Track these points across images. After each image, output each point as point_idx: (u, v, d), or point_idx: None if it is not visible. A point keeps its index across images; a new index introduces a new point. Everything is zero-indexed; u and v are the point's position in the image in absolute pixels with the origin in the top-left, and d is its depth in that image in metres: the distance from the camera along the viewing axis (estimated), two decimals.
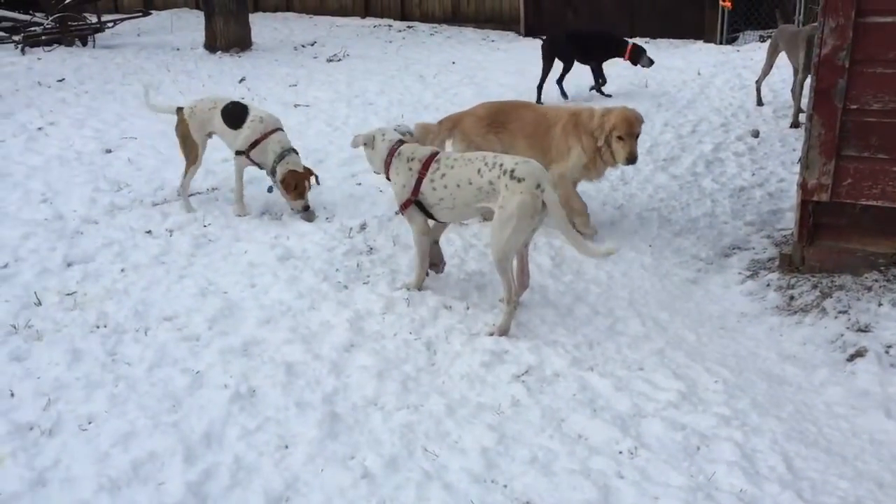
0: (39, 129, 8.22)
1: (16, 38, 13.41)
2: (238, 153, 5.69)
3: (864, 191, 4.61)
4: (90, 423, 3.39)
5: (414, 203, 4.44)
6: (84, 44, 14.29)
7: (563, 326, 4.36)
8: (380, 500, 3.00)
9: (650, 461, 3.22)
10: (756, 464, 3.21)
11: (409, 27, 16.98)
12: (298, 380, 3.74)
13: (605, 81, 9.97)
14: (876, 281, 4.58)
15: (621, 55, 9.79)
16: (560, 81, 9.80)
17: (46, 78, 11.03)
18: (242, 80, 11.24)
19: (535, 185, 4.00)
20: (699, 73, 10.68)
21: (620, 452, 3.28)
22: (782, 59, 8.69)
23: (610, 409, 3.56)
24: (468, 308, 4.50)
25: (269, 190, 5.85)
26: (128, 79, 11.24)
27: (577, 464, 3.20)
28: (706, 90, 9.81)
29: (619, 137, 5.19)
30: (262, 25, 16.49)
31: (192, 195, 6.00)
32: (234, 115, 5.68)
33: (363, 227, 5.57)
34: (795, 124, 8.01)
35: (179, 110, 5.82)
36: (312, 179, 5.67)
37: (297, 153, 5.67)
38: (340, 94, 10.16)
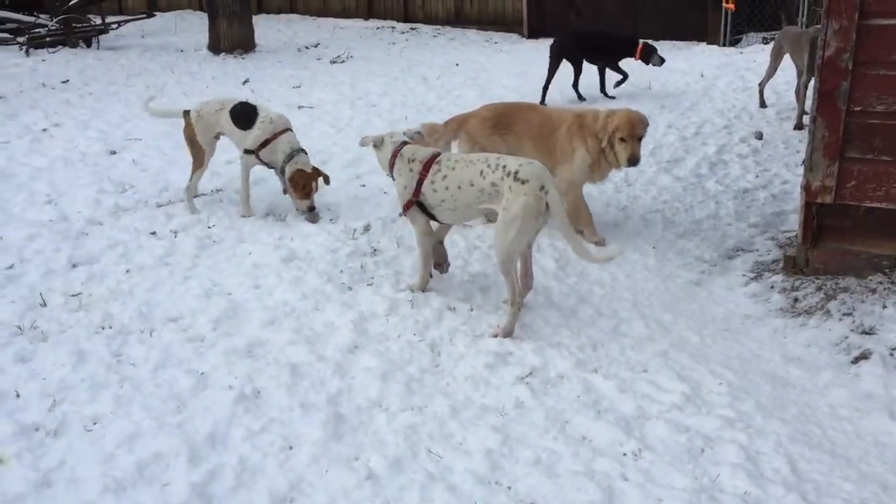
0: (44, 130, 8.25)
1: (20, 39, 13.46)
2: (247, 152, 5.69)
3: (868, 193, 4.61)
4: (95, 423, 3.39)
5: (416, 204, 4.45)
6: (88, 45, 14.33)
7: (567, 328, 4.36)
8: (384, 502, 3.01)
9: (654, 463, 3.22)
10: (760, 466, 3.20)
11: (412, 29, 17.00)
12: (303, 381, 3.75)
13: (626, 76, 9.91)
14: (880, 283, 4.57)
15: (632, 55, 9.79)
16: (575, 85, 9.77)
17: (51, 79, 11.06)
18: (246, 81, 11.26)
19: (539, 186, 4.01)
20: (702, 75, 10.68)
21: (624, 454, 3.28)
22: (786, 61, 8.69)
23: (614, 411, 3.56)
24: (472, 310, 4.50)
25: (285, 192, 5.85)
26: (132, 80, 11.27)
27: (581, 465, 3.20)
28: (709, 92, 9.80)
29: (622, 139, 5.19)
30: (265, 27, 16.52)
31: (196, 196, 6.01)
32: (244, 115, 5.69)
33: (367, 228, 5.58)
34: (799, 126, 8.00)
35: (186, 114, 5.83)
36: (321, 180, 5.67)
37: (306, 153, 5.68)
38: (344, 95, 10.18)
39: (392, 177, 4.59)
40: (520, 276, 4.40)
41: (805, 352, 4.22)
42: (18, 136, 7.93)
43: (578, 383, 3.77)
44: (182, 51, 14.12)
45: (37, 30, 13.92)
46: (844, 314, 4.39)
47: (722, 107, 9.05)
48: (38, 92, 10.28)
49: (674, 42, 13.71)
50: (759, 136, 7.86)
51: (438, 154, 4.47)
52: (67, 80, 11.04)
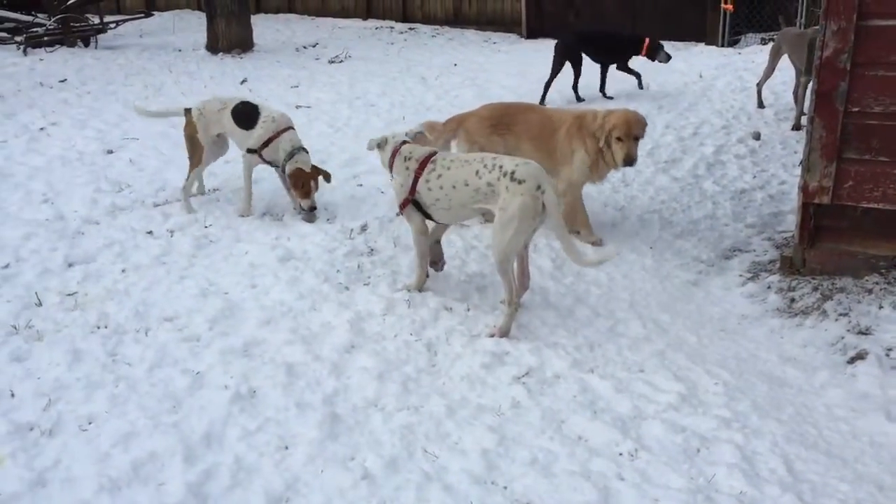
0: (41, 129, 8.24)
1: (18, 38, 13.44)
2: (249, 151, 5.69)
3: (866, 193, 4.61)
4: (90, 423, 3.39)
5: (411, 203, 4.45)
6: (86, 45, 14.32)
7: (564, 328, 4.36)
8: (380, 501, 3.00)
9: (650, 463, 3.22)
10: (756, 466, 3.20)
11: (410, 29, 16.99)
12: (299, 381, 3.74)
13: (639, 75, 9.91)
14: (877, 283, 4.57)
15: (638, 52, 9.77)
16: (575, 86, 9.74)
17: (48, 79, 11.06)
18: (244, 81, 11.25)
19: (536, 186, 4.01)
20: (701, 76, 10.68)
21: (621, 454, 3.28)
22: (784, 61, 8.70)
23: (610, 411, 3.56)
24: (469, 309, 4.50)
25: (289, 190, 5.85)
26: (130, 80, 11.27)
27: (577, 465, 3.20)
28: (708, 92, 9.81)
29: (618, 138, 5.19)
30: (263, 27, 16.51)
31: (193, 196, 6.00)
32: (246, 115, 5.68)
33: (364, 228, 5.57)
34: (797, 127, 8.01)
35: (188, 111, 5.83)
36: (321, 179, 5.66)
37: (306, 152, 5.68)
38: (342, 95, 10.17)
39: (392, 176, 4.60)
40: (516, 276, 4.40)
41: (801, 352, 4.22)
42: (16, 136, 7.92)
43: (575, 383, 3.77)
44: (180, 50, 14.11)
45: (35, 29, 13.91)
46: (841, 314, 4.39)
47: (720, 107, 9.05)
48: (36, 91, 10.27)
49: (672, 42, 13.64)
50: (757, 137, 7.86)
51: (435, 153, 4.47)
52: (65, 80, 11.03)
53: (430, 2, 17.56)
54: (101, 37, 14.65)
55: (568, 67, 9.76)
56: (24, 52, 13.03)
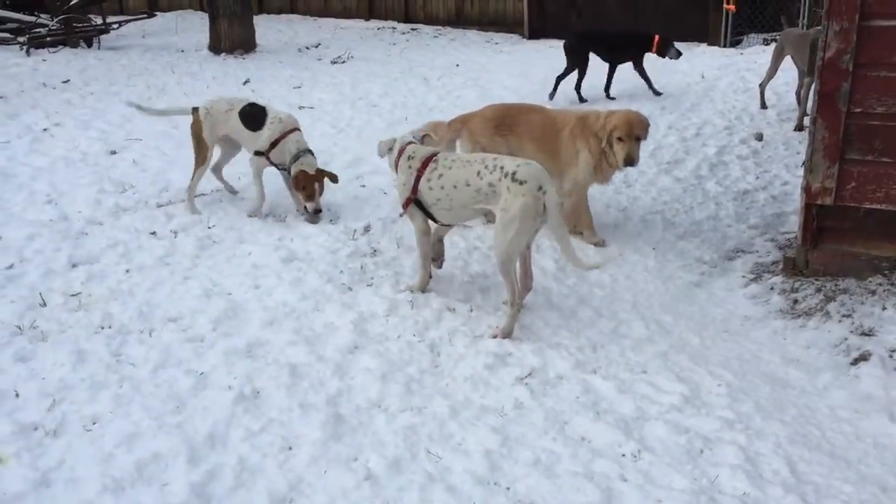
0: (45, 130, 8.25)
1: (21, 39, 13.46)
2: (257, 153, 5.69)
3: (868, 194, 4.61)
4: (94, 423, 3.40)
5: (414, 202, 4.47)
6: (89, 45, 14.34)
7: (567, 329, 4.36)
8: (383, 502, 3.01)
9: (653, 464, 3.22)
10: (759, 467, 3.20)
11: (412, 29, 17.00)
12: (302, 381, 3.75)
13: (650, 81, 9.89)
14: (880, 285, 4.57)
15: (649, 50, 9.74)
16: (578, 86, 9.72)
17: (51, 79, 11.07)
18: (247, 81, 11.26)
19: (537, 187, 4.02)
20: (703, 76, 10.68)
21: (623, 455, 3.28)
22: (786, 62, 8.69)
23: (613, 412, 3.56)
24: (472, 310, 4.50)
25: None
26: (133, 80, 11.28)
27: (580, 466, 3.20)
28: (710, 93, 9.80)
29: (619, 139, 5.20)
30: (266, 27, 16.53)
31: (197, 196, 6.01)
32: (253, 116, 5.69)
33: (367, 229, 5.58)
34: (800, 127, 8.00)
35: (195, 110, 5.84)
36: (326, 180, 5.66)
37: (312, 154, 5.68)
38: (344, 95, 10.18)
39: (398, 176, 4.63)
40: (519, 277, 4.41)
41: (804, 353, 4.22)
42: (19, 136, 7.93)
43: (578, 384, 3.77)
44: (183, 51, 14.12)
45: (37, 29, 13.93)
46: (844, 316, 4.39)
47: (722, 108, 9.05)
48: (39, 92, 10.28)
49: (674, 43, 13.69)
50: (760, 138, 7.86)
51: (437, 153, 4.49)
52: (68, 80, 11.04)
53: (432, 2, 17.57)
54: (103, 37, 14.67)
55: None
56: (27, 52, 13.05)
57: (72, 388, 3.63)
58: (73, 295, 4.56)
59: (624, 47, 9.85)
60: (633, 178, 6.82)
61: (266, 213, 5.89)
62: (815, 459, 3.28)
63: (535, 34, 15.68)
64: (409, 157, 4.49)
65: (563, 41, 9.95)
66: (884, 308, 4.35)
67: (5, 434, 3.28)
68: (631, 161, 5.22)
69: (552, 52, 13.40)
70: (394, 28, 17.25)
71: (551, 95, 9.66)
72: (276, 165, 5.74)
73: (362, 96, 10.10)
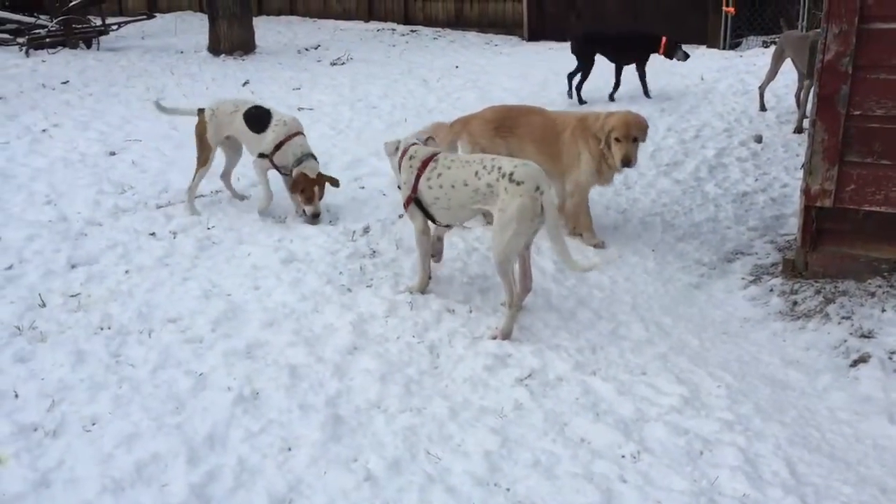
0: (44, 131, 8.25)
1: (20, 40, 13.47)
2: (261, 156, 5.70)
3: (868, 196, 4.61)
4: (94, 424, 3.39)
5: (414, 201, 4.49)
6: (88, 46, 14.34)
7: (566, 330, 4.36)
8: (382, 503, 3.01)
9: (653, 465, 3.22)
10: (759, 469, 3.21)
11: (412, 31, 17.01)
12: (302, 382, 3.75)
13: (645, 82, 9.88)
14: (879, 287, 4.58)
15: (656, 51, 9.73)
16: (579, 87, 9.72)
17: (51, 80, 11.07)
18: (246, 83, 11.27)
19: (535, 187, 4.03)
20: (702, 79, 10.68)
21: (623, 456, 3.28)
22: (786, 64, 8.70)
23: (613, 414, 3.57)
24: (471, 311, 4.50)
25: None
26: (132, 81, 11.28)
27: (579, 467, 3.20)
28: (709, 95, 9.81)
29: (617, 139, 5.21)
30: (265, 29, 16.53)
31: (196, 197, 6.01)
32: (258, 119, 5.70)
33: (366, 230, 5.58)
34: (799, 129, 8.01)
35: (201, 111, 5.85)
36: (328, 185, 5.67)
37: (315, 159, 5.69)
38: (344, 97, 10.18)
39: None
40: (518, 278, 4.42)
41: (804, 355, 4.22)
42: (18, 137, 7.93)
43: (577, 385, 3.77)
44: (182, 52, 14.13)
45: (37, 31, 13.95)
46: (843, 317, 4.39)
47: (722, 110, 9.06)
48: (38, 93, 10.28)
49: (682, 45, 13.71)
50: (759, 140, 7.87)
51: (437, 153, 4.52)
52: (67, 81, 11.04)
53: (432, 4, 17.58)
54: (102, 38, 14.68)
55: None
56: (27, 53, 13.05)
57: (71, 389, 3.63)
58: (72, 296, 4.56)
59: (631, 49, 9.82)
60: (632, 180, 6.83)
61: (266, 213, 5.88)
62: (815, 461, 3.29)
63: (534, 36, 15.69)
64: (411, 157, 4.53)
65: (570, 42, 9.93)
66: (883, 310, 4.36)
67: (5, 435, 3.28)
68: (628, 162, 5.22)
69: (552, 54, 13.42)
70: (393, 30, 17.26)
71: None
72: (278, 169, 5.74)
73: (361, 98, 10.10)
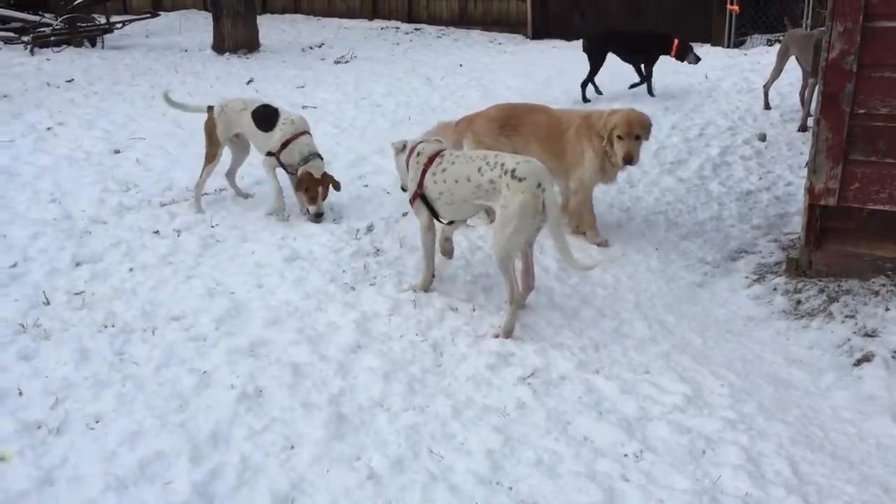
0: (48, 129, 8.27)
1: (25, 38, 13.49)
2: (269, 154, 5.72)
3: (872, 195, 4.60)
4: (98, 422, 3.40)
5: (420, 197, 4.51)
6: (93, 44, 14.37)
7: (569, 329, 4.36)
8: (385, 501, 3.01)
9: (656, 464, 3.22)
10: (762, 468, 3.20)
11: (416, 29, 17.01)
12: (305, 380, 3.75)
13: (644, 81, 9.89)
14: (883, 286, 4.57)
15: (668, 52, 9.72)
16: (584, 84, 9.71)
17: (55, 78, 11.09)
18: (250, 81, 11.27)
19: (536, 184, 4.03)
20: (706, 77, 10.67)
21: (626, 455, 3.28)
22: (790, 63, 8.68)
23: (616, 412, 3.56)
24: (474, 310, 4.50)
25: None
26: (136, 80, 11.30)
27: (582, 466, 3.20)
28: (713, 94, 9.80)
29: (619, 137, 5.20)
30: (269, 27, 16.55)
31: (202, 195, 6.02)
32: (266, 117, 5.73)
33: (370, 228, 5.58)
34: (804, 128, 7.99)
35: (210, 108, 5.89)
36: (331, 187, 5.68)
37: (321, 158, 5.71)
38: (348, 95, 10.19)
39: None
40: (521, 277, 4.43)
41: (807, 354, 4.21)
42: (23, 135, 7.95)
43: (580, 384, 3.77)
44: (186, 50, 14.15)
45: (41, 29, 13.96)
46: (847, 316, 4.39)
47: (726, 108, 9.04)
48: (43, 91, 10.30)
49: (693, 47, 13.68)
50: (763, 138, 7.85)
51: (444, 149, 4.57)
52: (72, 80, 11.06)
53: (436, 2, 17.57)
54: (107, 37, 14.70)
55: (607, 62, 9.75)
56: (31, 51, 13.07)
57: (75, 387, 3.64)
58: (76, 293, 4.57)
59: (643, 48, 9.81)
60: (636, 178, 6.82)
61: (269, 211, 5.89)
62: (818, 460, 3.28)
63: (538, 34, 15.68)
64: (418, 154, 4.57)
65: (582, 41, 9.93)
66: (887, 309, 4.35)
67: (9, 432, 3.29)
68: (630, 159, 5.22)
69: (555, 53, 13.42)
70: (397, 28, 17.26)
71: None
72: (285, 168, 5.76)
73: (365, 96, 10.11)
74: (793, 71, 8.92)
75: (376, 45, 14.98)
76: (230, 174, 6.21)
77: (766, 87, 8.96)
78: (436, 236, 4.66)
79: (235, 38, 13.89)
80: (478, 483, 3.10)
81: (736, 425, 3.48)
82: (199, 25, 17.38)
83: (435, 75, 11.48)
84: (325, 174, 5.65)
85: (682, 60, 9.75)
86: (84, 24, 14.40)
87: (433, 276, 4.71)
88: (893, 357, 3.98)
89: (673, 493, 3.05)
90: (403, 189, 4.86)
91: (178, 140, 7.87)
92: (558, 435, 3.40)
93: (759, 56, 11.66)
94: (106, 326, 4.21)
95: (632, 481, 3.12)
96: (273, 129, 5.68)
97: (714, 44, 13.23)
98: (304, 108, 9.38)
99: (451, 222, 4.66)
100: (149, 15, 17.14)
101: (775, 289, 4.89)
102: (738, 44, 13.22)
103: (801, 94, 8.40)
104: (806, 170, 4.94)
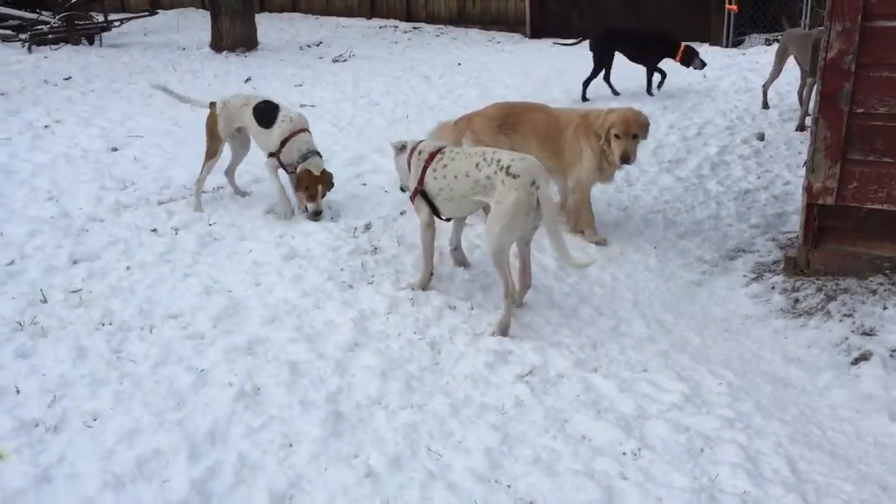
0: (46, 127, 8.25)
1: (23, 36, 13.46)
2: (271, 155, 5.73)
3: (870, 194, 4.61)
4: (95, 420, 3.40)
5: (420, 193, 4.52)
6: (91, 42, 14.34)
7: (568, 327, 4.36)
8: (383, 499, 3.01)
9: (654, 462, 3.22)
10: (760, 466, 3.20)
11: (414, 28, 17.00)
12: (303, 379, 3.75)
13: (651, 82, 9.88)
14: (881, 284, 4.57)
15: (673, 56, 9.72)
16: (587, 82, 9.70)
17: (53, 76, 11.07)
18: (248, 80, 11.26)
19: (531, 182, 4.04)
20: (705, 76, 10.67)
21: (624, 453, 3.28)
22: (789, 62, 8.69)
23: (614, 411, 3.56)
24: (472, 308, 4.50)
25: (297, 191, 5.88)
26: (134, 78, 11.27)
27: (580, 464, 3.20)
28: (712, 93, 9.80)
29: (616, 136, 5.21)
30: (267, 25, 16.52)
31: (206, 192, 6.02)
32: (266, 113, 5.74)
33: (368, 226, 5.58)
34: (802, 127, 8.00)
35: (212, 105, 5.90)
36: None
37: (320, 156, 5.71)
38: (346, 94, 10.18)
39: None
40: (518, 275, 4.44)
41: (805, 353, 4.22)
42: (20, 133, 7.93)
43: (578, 382, 3.77)
44: (184, 49, 14.12)
45: (39, 27, 13.92)
46: (845, 315, 4.39)
47: (724, 108, 9.04)
48: (41, 89, 10.28)
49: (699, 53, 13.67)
50: (761, 138, 7.86)
51: (445, 146, 4.59)
52: (70, 77, 11.04)
53: (434, 1, 17.56)
54: (105, 35, 14.67)
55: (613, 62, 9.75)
56: (29, 49, 13.04)
57: (72, 385, 3.63)
58: (73, 291, 4.56)
59: (651, 48, 9.80)
60: (634, 176, 6.82)
61: (267, 210, 5.89)
62: (816, 458, 3.28)
63: (536, 33, 15.68)
64: (419, 152, 4.60)
65: (590, 40, 9.93)
66: (885, 308, 4.35)
67: (6, 430, 3.28)
68: (627, 158, 5.22)
69: (554, 52, 13.41)
70: (395, 27, 17.25)
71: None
72: (284, 167, 5.75)
73: (364, 95, 10.10)
74: (790, 70, 8.93)
75: (374, 43, 14.96)
76: (229, 171, 6.20)
77: (765, 87, 8.97)
78: (435, 234, 4.66)
79: (233, 37, 13.87)
80: (476, 481, 3.09)
81: (734, 424, 3.48)
82: (197, 23, 17.36)
83: (433, 74, 11.47)
84: (324, 171, 5.65)
85: (687, 66, 9.76)
86: (82, 22, 14.37)
87: (432, 274, 4.71)
88: (891, 356, 3.98)
89: (671, 491, 3.05)
90: (402, 189, 4.87)
91: (175, 138, 7.85)
92: (556, 433, 3.40)
93: (758, 55, 11.67)
94: (103, 324, 4.20)
95: (630, 479, 3.12)
96: (272, 125, 5.68)
97: (712, 43, 13.23)
98: (302, 106, 9.36)
99: (447, 218, 4.66)
100: (147, 13, 17.10)
101: (773, 287, 4.89)
102: (737, 43, 13.23)
103: (800, 94, 8.41)
104: (804, 169, 4.94)
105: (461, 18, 17.13)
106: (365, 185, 6.55)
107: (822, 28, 4.79)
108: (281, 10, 19.64)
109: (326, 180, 5.65)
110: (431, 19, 17.53)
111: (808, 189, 4.76)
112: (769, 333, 4.46)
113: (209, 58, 13.26)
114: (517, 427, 3.44)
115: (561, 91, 9.90)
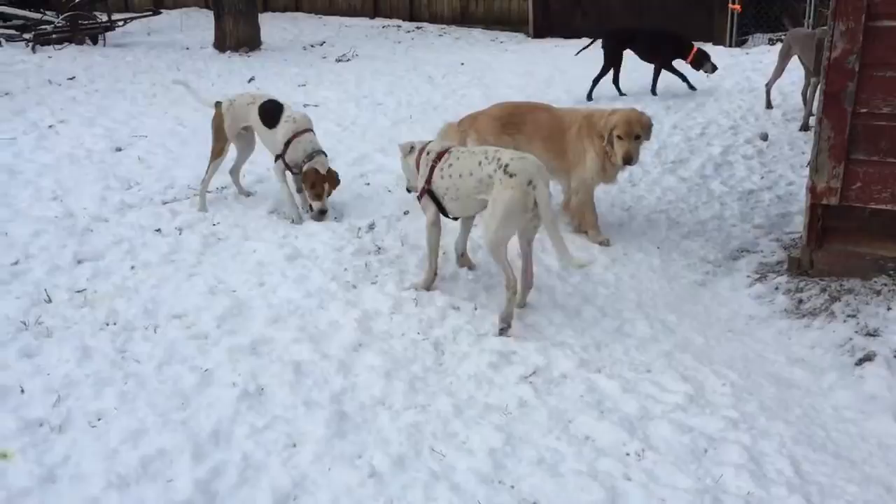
0: (50, 126, 8.27)
1: (27, 36, 13.49)
2: (277, 157, 5.73)
3: (874, 194, 4.60)
4: (99, 419, 3.41)
5: (428, 192, 4.55)
6: (95, 42, 14.37)
7: (571, 328, 4.36)
8: (387, 500, 3.01)
9: (657, 463, 3.22)
10: (764, 467, 3.20)
11: (417, 28, 17.01)
12: (306, 379, 3.75)
13: (656, 80, 9.87)
14: (885, 285, 4.56)
15: (684, 57, 9.70)
16: (595, 81, 9.71)
17: (57, 76, 11.09)
18: (252, 79, 11.27)
19: (527, 181, 4.05)
20: (708, 76, 10.63)
21: (628, 454, 3.28)
22: (793, 62, 8.67)
23: (617, 411, 3.56)
24: (476, 308, 4.50)
25: (300, 191, 5.87)
26: (138, 77, 11.30)
27: (584, 465, 3.20)
28: (715, 93, 9.78)
29: (619, 137, 5.21)
30: (271, 25, 16.54)
31: (210, 192, 6.02)
32: (270, 112, 5.75)
33: (372, 226, 5.58)
34: (805, 127, 7.98)
35: (218, 104, 5.92)
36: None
37: (325, 155, 5.71)
38: (349, 94, 10.18)
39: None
40: (520, 275, 4.44)
41: (809, 353, 4.21)
42: (25, 133, 7.95)
43: (582, 383, 3.77)
44: (188, 48, 14.15)
45: (43, 27, 13.95)
46: (849, 316, 4.38)
47: (727, 108, 9.03)
48: (45, 89, 10.30)
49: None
50: (765, 138, 7.85)
51: (452, 146, 4.63)
52: (74, 77, 11.06)
53: (438, 1, 17.57)
54: (109, 35, 14.70)
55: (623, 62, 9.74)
56: (33, 49, 13.07)
57: (77, 385, 3.64)
58: (78, 291, 4.57)
59: (663, 49, 9.78)
60: (637, 177, 6.82)
61: (271, 210, 5.89)
62: (820, 459, 3.28)
63: (539, 33, 15.68)
64: (428, 153, 4.63)
65: (601, 39, 9.92)
66: (889, 308, 4.34)
67: (11, 430, 3.29)
68: (629, 159, 5.22)
69: (557, 51, 13.41)
70: (399, 26, 17.26)
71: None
72: (290, 168, 5.74)
73: (367, 94, 10.10)
74: (794, 70, 8.91)
75: (378, 43, 14.97)
76: (234, 171, 6.21)
77: (768, 87, 8.95)
78: (440, 233, 4.67)
79: (237, 36, 13.89)
80: (479, 482, 3.10)
81: (738, 424, 3.48)
82: (201, 23, 17.38)
83: (436, 74, 11.48)
84: (330, 170, 5.66)
85: (698, 69, 9.73)
86: (86, 22, 14.40)
87: (436, 274, 4.71)
88: (895, 356, 3.98)
89: (675, 492, 3.05)
90: (409, 190, 4.88)
91: (179, 138, 7.87)
92: (560, 434, 3.40)
93: (761, 55, 11.65)
94: (108, 324, 4.21)
95: (634, 480, 3.12)
96: (276, 125, 5.69)
97: (716, 43, 13.20)
98: (305, 106, 9.37)
99: (454, 217, 4.67)
100: (150, 13, 17.13)
101: (777, 288, 4.89)
102: (740, 43, 13.21)
103: (804, 94, 8.39)
104: (808, 169, 4.93)
105: (464, 18, 17.14)
106: (368, 184, 6.55)
107: (825, 28, 4.79)
108: (284, 10, 19.67)
109: (333, 179, 5.66)
110: (434, 19, 17.55)
111: (811, 189, 4.76)
112: (773, 334, 4.46)
113: (213, 57, 13.29)
114: (521, 428, 3.44)
115: (564, 91, 9.90)
